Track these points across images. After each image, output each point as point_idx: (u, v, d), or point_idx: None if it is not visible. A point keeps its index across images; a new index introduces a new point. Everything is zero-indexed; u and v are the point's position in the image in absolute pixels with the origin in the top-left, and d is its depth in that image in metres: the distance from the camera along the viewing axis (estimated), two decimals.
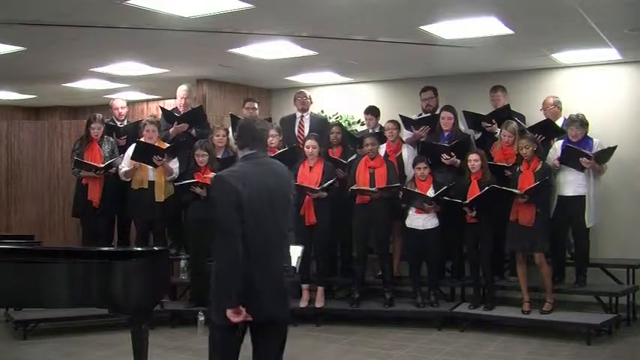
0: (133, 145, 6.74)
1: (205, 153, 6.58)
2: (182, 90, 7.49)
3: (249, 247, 3.26)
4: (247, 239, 3.26)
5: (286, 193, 3.53)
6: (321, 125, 7.37)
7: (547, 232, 6.13)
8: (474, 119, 6.95)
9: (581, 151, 6.17)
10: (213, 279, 3.33)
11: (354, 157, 6.97)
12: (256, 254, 3.29)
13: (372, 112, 7.39)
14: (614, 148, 6.29)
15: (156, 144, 6.77)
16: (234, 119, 7.48)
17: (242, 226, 3.25)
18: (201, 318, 6.21)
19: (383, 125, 7.13)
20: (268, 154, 6.79)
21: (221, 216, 3.28)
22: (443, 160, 6.62)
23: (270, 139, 6.91)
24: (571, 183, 6.29)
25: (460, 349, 5.81)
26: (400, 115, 7.09)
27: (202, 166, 6.57)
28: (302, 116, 7.50)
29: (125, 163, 6.80)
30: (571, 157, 6.24)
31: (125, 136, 7.32)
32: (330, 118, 8.23)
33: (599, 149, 6.24)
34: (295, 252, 3.80)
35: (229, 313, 3.22)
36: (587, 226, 6.33)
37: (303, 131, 7.36)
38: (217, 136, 6.99)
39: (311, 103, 7.57)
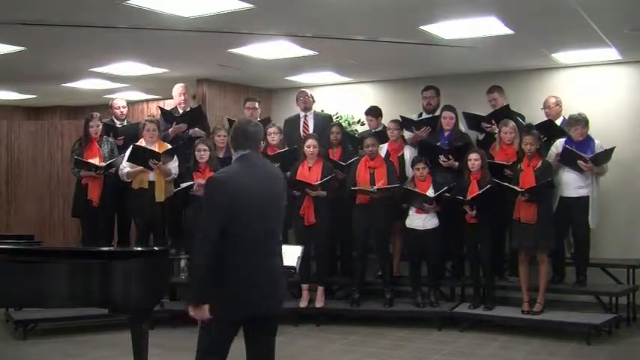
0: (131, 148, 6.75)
1: (207, 148, 6.59)
2: (179, 87, 7.50)
3: (238, 246, 3.34)
4: (236, 238, 3.33)
5: (278, 194, 3.55)
6: (325, 123, 7.38)
7: (551, 231, 6.13)
8: (474, 120, 6.95)
9: (579, 154, 6.17)
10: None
11: (355, 158, 6.94)
12: (244, 253, 3.35)
13: (373, 113, 7.38)
14: (612, 149, 6.29)
15: (156, 144, 6.78)
16: (231, 124, 7.48)
17: (231, 226, 3.32)
18: None
19: (386, 125, 7.12)
20: (268, 152, 6.91)
21: (205, 217, 3.37)
22: (440, 162, 6.62)
23: (272, 137, 6.95)
24: (572, 184, 6.29)
25: (460, 349, 5.81)
26: (401, 116, 7.08)
27: (203, 163, 6.58)
28: (306, 116, 7.51)
29: (126, 164, 6.80)
30: (569, 159, 6.24)
31: (123, 136, 7.31)
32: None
33: (597, 151, 6.24)
34: (295, 252, 3.81)
35: (191, 309, 3.32)
36: (592, 227, 6.34)
37: (307, 131, 7.36)
38: (219, 136, 6.99)
39: (313, 101, 7.58)
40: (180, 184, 6.66)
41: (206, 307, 3.30)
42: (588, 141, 6.31)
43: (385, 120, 7.25)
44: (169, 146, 6.85)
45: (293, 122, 7.57)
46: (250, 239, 3.37)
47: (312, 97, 7.58)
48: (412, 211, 6.53)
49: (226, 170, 3.59)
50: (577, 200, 6.29)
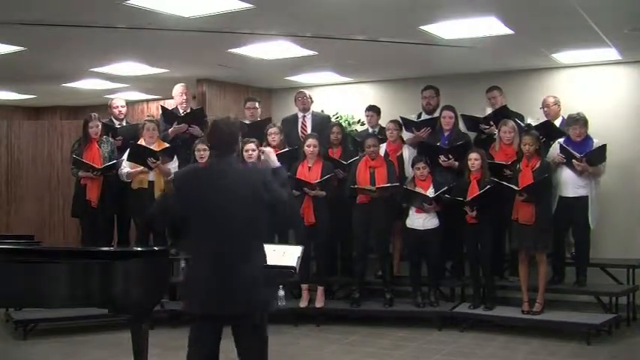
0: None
1: (206, 148, 6.59)
2: (180, 87, 7.50)
3: (199, 246, 3.37)
4: (192, 238, 3.36)
5: (245, 198, 3.37)
6: (323, 124, 7.39)
7: (549, 231, 6.12)
8: (472, 122, 6.94)
9: (572, 153, 6.16)
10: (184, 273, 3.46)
11: (356, 158, 6.94)
12: (206, 253, 3.35)
13: (374, 109, 7.42)
14: (605, 146, 6.27)
15: (156, 144, 6.78)
16: None
17: (186, 225, 3.35)
18: None
19: (384, 126, 7.13)
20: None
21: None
22: (440, 161, 6.62)
23: (272, 137, 6.95)
24: (572, 184, 6.28)
25: (460, 349, 5.81)
26: (401, 117, 7.08)
27: (203, 162, 6.57)
28: (304, 116, 7.52)
29: (125, 164, 6.80)
30: (567, 158, 6.24)
31: (121, 137, 7.30)
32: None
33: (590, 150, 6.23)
34: (295, 252, 3.80)
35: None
36: (592, 227, 6.33)
37: (306, 131, 7.36)
38: None
39: (311, 102, 7.58)
40: None
41: None
42: (587, 140, 6.30)
43: (384, 120, 7.26)
44: (168, 145, 6.85)
45: (291, 122, 7.57)
46: (206, 241, 3.34)
47: (311, 98, 7.58)
48: (412, 211, 6.53)
49: (186, 168, 3.62)
50: (576, 200, 6.29)
